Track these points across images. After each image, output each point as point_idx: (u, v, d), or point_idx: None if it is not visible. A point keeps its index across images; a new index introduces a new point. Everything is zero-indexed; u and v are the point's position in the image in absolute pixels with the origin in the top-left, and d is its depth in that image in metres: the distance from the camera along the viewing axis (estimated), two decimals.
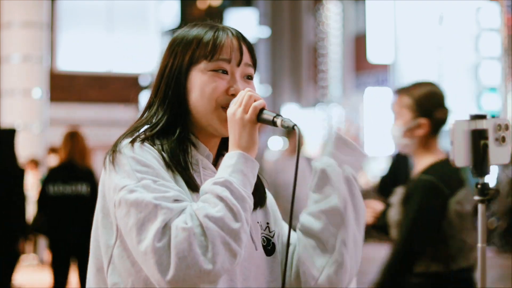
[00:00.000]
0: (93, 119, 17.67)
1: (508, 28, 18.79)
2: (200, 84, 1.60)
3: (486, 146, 2.35)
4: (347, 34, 23.72)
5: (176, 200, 1.45)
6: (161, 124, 1.61)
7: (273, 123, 1.56)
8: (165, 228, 1.40)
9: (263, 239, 1.68)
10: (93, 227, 1.60)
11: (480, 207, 2.38)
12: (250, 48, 1.67)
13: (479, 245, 2.39)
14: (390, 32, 21.71)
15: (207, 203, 1.44)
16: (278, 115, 1.56)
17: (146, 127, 1.63)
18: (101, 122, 17.69)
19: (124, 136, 1.60)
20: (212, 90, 1.60)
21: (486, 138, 2.35)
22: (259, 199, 1.65)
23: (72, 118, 17.45)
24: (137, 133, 1.61)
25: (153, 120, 1.63)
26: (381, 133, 22.07)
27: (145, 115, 1.67)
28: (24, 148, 10.94)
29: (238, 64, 1.63)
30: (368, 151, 21.19)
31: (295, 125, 1.53)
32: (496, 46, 19.09)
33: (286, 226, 1.80)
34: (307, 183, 5.47)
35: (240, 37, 1.66)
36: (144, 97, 23.38)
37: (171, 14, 31.79)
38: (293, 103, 24.46)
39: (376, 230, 3.44)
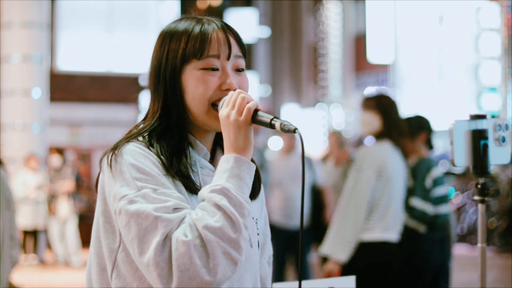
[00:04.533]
0: (93, 119, 17.67)
1: (508, 28, 18.77)
2: (192, 85, 1.60)
3: (486, 146, 2.35)
4: (347, 34, 23.71)
5: (176, 209, 1.47)
6: (161, 126, 1.61)
7: (271, 126, 1.55)
8: (166, 240, 1.42)
9: None
10: (94, 227, 1.60)
11: (480, 207, 2.38)
12: (238, 38, 1.67)
13: (479, 245, 2.38)
14: (390, 32, 21.69)
15: (206, 212, 1.45)
16: (275, 117, 1.55)
17: (146, 128, 1.62)
18: (101, 122, 17.69)
19: (125, 139, 1.60)
20: (204, 90, 1.60)
21: (486, 138, 2.35)
22: (253, 191, 1.64)
23: (72, 118, 17.46)
24: (137, 136, 1.61)
25: (153, 122, 1.63)
26: None
27: (146, 117, 1.67)
28: (24, 148, 10.95)
29: (228, 58, 1.63)
30: None
31: (296, 128, 1.53)
32: (496, 46, 19.07)
33: (265, 213, 1.81)
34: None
35: (226, 29, 1.66)
36: (144, 97, 23.37)
37: (171, 14, 31.77)
38: (293, 103, 24.45)
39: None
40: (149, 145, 1.58)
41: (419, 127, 4.85)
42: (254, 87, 26.80)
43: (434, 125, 4.95)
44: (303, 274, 7.05)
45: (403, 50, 21.62)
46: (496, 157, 2.38)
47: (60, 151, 11.79)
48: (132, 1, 18.31)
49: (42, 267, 10.98)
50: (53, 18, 16.04)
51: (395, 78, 21.69)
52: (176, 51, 1.62)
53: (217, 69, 1.61)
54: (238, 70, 1.65)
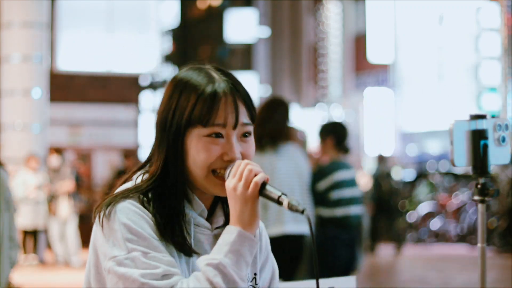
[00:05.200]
0: (93, 119, 17.66)
1: (508, 28, 18.78)
2: (194, 151, 1.57)
3: (486, 146, 2.35)
4: (347, 34, 23.71)
5: (165, 276, 1.47)
6: (160, 186, 1.59)
7: (278, 203, 1.52)
8: None
9: None
10: (86, 275, 1.61)
11: (480, 207, 2.37)
12: (247, 102, 1.62)
13: (479, 245, 2.38)
14: (390, 32, 21.70)
15: (198, 284, 1.46)
16: (283, 194, 1.52)
17: (144, 187, 1.60)
18: (101, 122, 17.68)
19: (121, 194, 1.58)
20: (205, 158, 1.57)
21: (486, 138, 2.35)
22: None
23: (72, 118, 17.46)
24: (135, 192, 1.59)
25: (152, 182, 1.60)
26: (381, 133, 22.06)
27: (146, 167, 1.65)
28: (24, 148, 10.94)
29: (234, 127, 1.59)
30: (368, 151, 21.20)
31: (304, 209, 1.50)
32: (496, 46, 19.07)
33: (270, 264, 1.79)
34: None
35: (235, 92, 1.60)
36: (144, 97, 23.41)
37: (171, 14, 31.76)
38: (293, 103, 24.45)
39: None
40: (146, 202, 1.57)
41: (326, 132, 5.31)
42: (254, 87, 26.79)
43: (343, 130, 5.34)
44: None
45: (403, 50, 21.63)
46: (496, 157, 2.38)
47: (59, 151, 11.77)
48: (132, 1, 18.31)
49: (42, 267, 10.98)
50: (53, 18, 16.03)
51: (395, 78, 21.70)
52: (183, 110, 1.58)
53: (221, 136, 1.58)
54: (244, 135, 1.62)
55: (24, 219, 10.50)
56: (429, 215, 13.54)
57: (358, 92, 22.92)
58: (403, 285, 8.89)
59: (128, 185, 1.62)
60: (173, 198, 1.58)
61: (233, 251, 1.49)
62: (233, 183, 1.53)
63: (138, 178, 1.63)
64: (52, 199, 10.97)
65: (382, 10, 21.82)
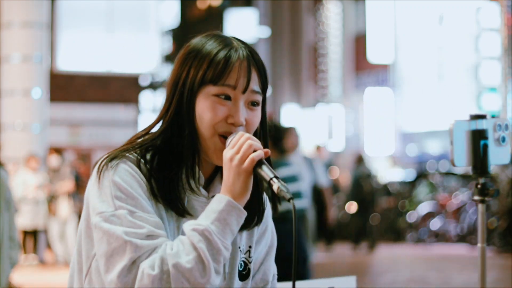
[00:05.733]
0: (93, 119, 17.67)
1: (508, 28, 18.77)
2: (202, 110, 1.58)
3: (486, 146, 2.35)
4: (347, 34, 23.71)
5: (149, 236, 1.48)
6: (163, 141, 1.60)
7: (269, 184, 1.53)
8: (132, 266, 1.45)
9: (240, 263, 1.68)
10: (78, 231, 1.62)
11: (480, 207, 2.37)
12: (261, 71, 1.64)
13: (479, 245, 2.38)
14: (390, 32, 21.70)
15: (182, 248, 1.46)
16: (276, 177, 1.53)
17: (148, 141, 1.61)
18: (101, 122, 17.69)
19: (125, 150, 1.59)
20: (211, 117, 1.58)
21: (486, 138, 2.35)
22: (247, 222, 1.62)
23: (72, 118, 17.46)
24: (137, 148, 1.59)
25: (156, 135, 1.61)
26: (381, 133, 22.06)
27: (153, 129, 1.65)
28: (24, 148, 10.95)
29: (244, 91, 1.60)
30: (368, 151, 21.19)
31: (292, 198, 1.50)
32: (496, 46, 19.07)
33: (270, 241, 1.77)
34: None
35: (251, 60, 1.62)
36: (144, 97, 23.41)
37: (171, 14, 31.76)
38: (293, 103, 24.45)
39: None
40: (143, 163, 1.57)
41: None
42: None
43: (278, 132, 5.65)
44: (305, 274, 7.08)
45: (403, 50, 21.62)
46: (496, 157, 2.38)
47: (59, 151, 11.78)
48: (132, 1, 18.31)
49: (42, 267, 10.98)
50: (53, 18, 16.03)
51: (395, 78, 21.70)
52: (197, 72, 1.59)
53: (229, 99, 1.59)
54: (253, 104, 1.63)
55: (24, 219, 10.51)
56: (429, 215, 13.55)
57: (358, 92, 22.91)
58: (403, 285, 8.89)
59: (127, 146, 1.62)
60: (174, 159, 1.59)
61: (220, 219, 1.50)
62: (230, 154, 1.54)
63: (142, 135, 1.64)
64: (52, 199, 10.97)
65: (382, 10, 21.81)
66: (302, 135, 7.65)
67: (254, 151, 1.54)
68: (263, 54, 26.67)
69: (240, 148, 1.53)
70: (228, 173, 1.53)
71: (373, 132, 22.27)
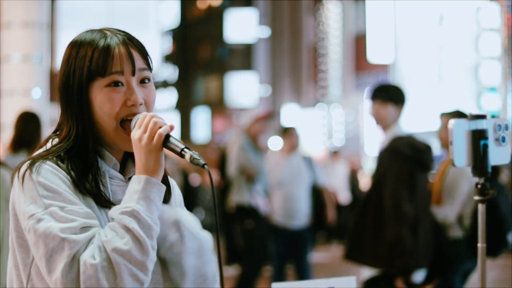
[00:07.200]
0: None
1: (508, 28, 18.78)
2: (100, 103, 1.62)
3: (486, 146, 2.35)
4: (347, 34, 23.72)
5: (83, 228, 1.51)
6: (70, 140, 1.64)
7: (181, 155, 1.59)
8: (73, 261, 1.48)
9: None
10: (10, 245, 1.63)
11: (480, 207, 2.38)
12: (142, 50, 1.70)
13: (479, 245, 2.38)
14: (390, 32, 21.70)
15: (115, 233, 1.51)
16: (186, 147, 1.59)
17: (63, 148, 1.64)
18: None
19: (36, 157, 1.61)
20: (110, 108, 1.62)
21: (486, 138, 2.35)
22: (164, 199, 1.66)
23: None
24: (48, 152, 1.62)
25: (69, 142, 1.64)
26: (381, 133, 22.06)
27: (58, 131, 1.69)
28: None
29: (133, 73, 1.65)
30: (368, 151, 21.21)
31: (205, 164, 1.58)
32: (496, 46, 19.07)
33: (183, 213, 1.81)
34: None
35: (128, 43, 1.68)
36: None
37: (171, 14, 31.76)
38: (293, 103, 24.46)
39: None
40: (60, 159, 1.60)
41: None
42: (254, 87, 26.80)
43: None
44: (304, 275, 7.09)
45: (403, 50, 21.63)
46: (496, 157, 2.38)
47: None
48: (132, 1, 18.33)
49: None
50: (53, 18, 16.04)
51: (395, 78, 21.70)
52: (82, 69, 1.63)
53: (121, 84, 1.63)
54: (143, 82, 1.67)
55: None
56: None
57: (358, 92, 22.91)
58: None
59: (41, 151, 1.65)
60: (85, 155, 1.63)
61: (144, 198, 1.56)
62: (138, 134, 1.59)
63: (49, 143, 1.67)
64: None
65: (382, 10, 21.81)
66: (302, 135, 7.66)
67: (160, 127, 1.59)
68: (263, 54, 26.69)
69: (146, 127, 1.59)
70: (139, 153, 1.59)
71: (373, 132, 22.27)
